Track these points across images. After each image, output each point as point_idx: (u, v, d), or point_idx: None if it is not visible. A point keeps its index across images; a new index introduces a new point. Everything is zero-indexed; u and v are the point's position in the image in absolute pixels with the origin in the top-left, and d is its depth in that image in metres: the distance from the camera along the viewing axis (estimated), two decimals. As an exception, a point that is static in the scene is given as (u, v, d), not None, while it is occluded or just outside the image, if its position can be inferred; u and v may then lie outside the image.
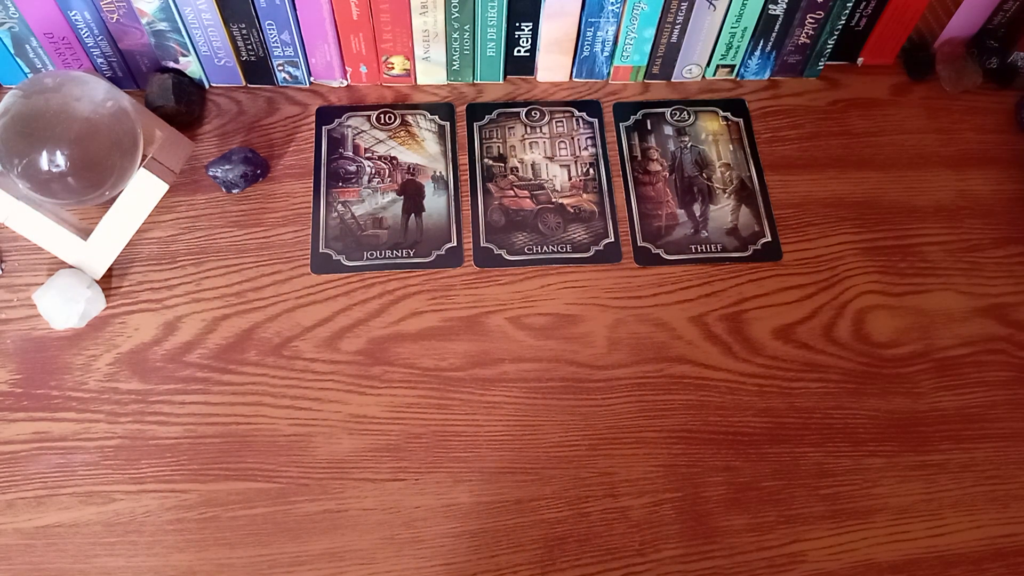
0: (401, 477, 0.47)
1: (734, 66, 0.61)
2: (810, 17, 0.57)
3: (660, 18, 0.56)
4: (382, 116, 0.59)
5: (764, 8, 0.56)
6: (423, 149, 0.58)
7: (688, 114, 0.60)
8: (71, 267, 0.52)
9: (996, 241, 0.56)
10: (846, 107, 0.61)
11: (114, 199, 0.51)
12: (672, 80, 0.62)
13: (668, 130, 0.59)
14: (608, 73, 0.61)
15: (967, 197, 0.58)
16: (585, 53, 0.59)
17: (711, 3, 0.56)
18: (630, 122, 0.60)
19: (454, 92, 0.60)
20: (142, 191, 0.51)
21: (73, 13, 0.53)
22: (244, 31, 0.55)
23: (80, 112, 0.48)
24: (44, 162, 0.47)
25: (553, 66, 0.60)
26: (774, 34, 0.58)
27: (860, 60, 0.63)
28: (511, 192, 0.56)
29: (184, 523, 0.46)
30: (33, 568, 0.44)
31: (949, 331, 0.53)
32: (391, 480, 0.47)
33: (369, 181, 0.56)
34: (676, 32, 0.58)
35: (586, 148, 0.58)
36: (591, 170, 0.57)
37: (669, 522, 0.46)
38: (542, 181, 0.57)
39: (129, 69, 0.58)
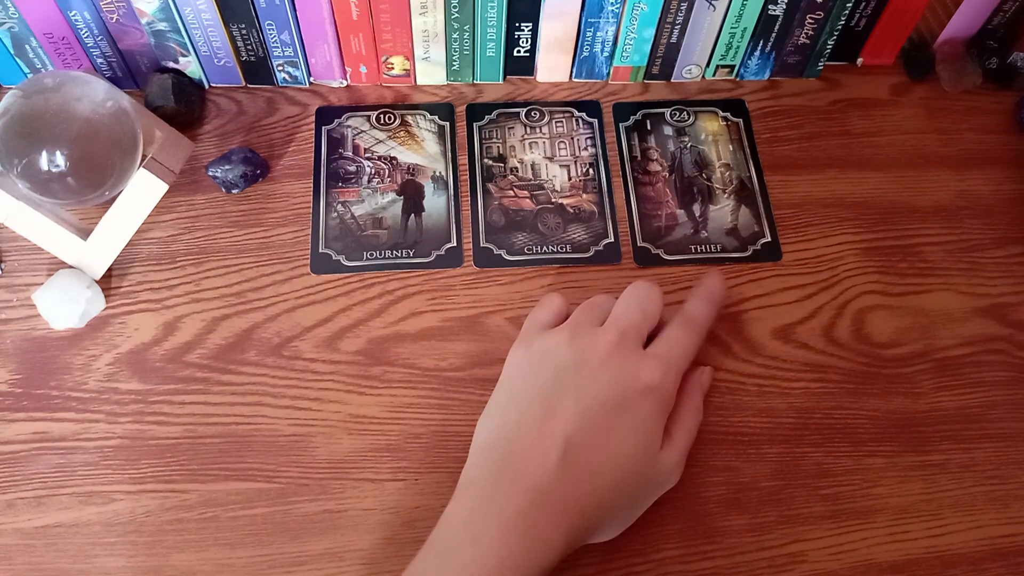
0: (401, 477, 0.47)
1: (734, 66, 0.61)
2: (810, 17, 0.57)
3: (660, 18, 0.56)
4: (382, 116, 0.59)
5: (764, 8, 0.56)
6: (423, 149, 0.58)
7: (688, 114, 0.60)
8: (71, 267, 0.52)
9: (996, 241, 0.56)
10: (846, 107, 0.61)
11: (114, 199, 0.51)
12: (672, 80, 0.62)
13: (668, 130, 0.59)
14: (608, 73, 0.61)
15: (967, 197, 0.58)
16: (585, 53, 0.59)
17: (711, 3, 0.56)
18: (630, 122, 0.60)
19: (454, 92, 0.60)
20: (142, 191, 0.51)
21: (73, 13, 0.53)
22: (244, 31, 0.55)
23: (80, 112, 0.48)
24: (44, 162, 0.47)
25: (553, 66, 0.60)
26: (774, 34, 0.58)
27: (860, 60, 0.63)
28: (511, 192, 0.56)
29: (184, 523, 0.46)
30: (33, 568, 0.44)
31: (949, 331, 0.53)
32: (391, 480, 0.47)
33: (369, 181, 0.56)
34: (676, 32, 0.58)
35: (586, 148, 0.58)
36: (591, 170, 0.57)
37: (669, 522, 0.46)
38: (542, 181, 0.57)
39: (129, 69, 0.58)
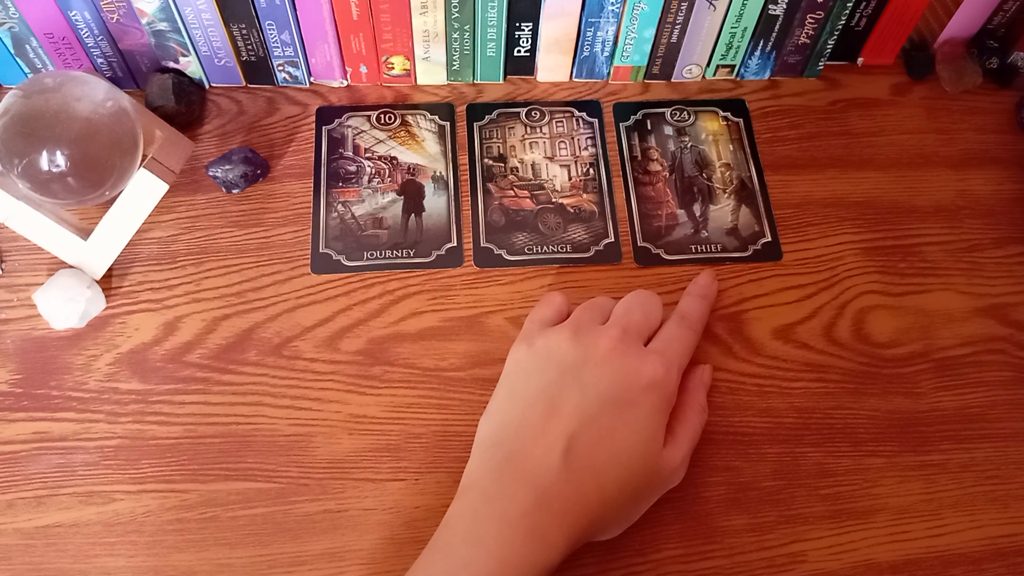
0: (401, 477, 0.47)
1: (734, 66, 0.61)
2: (810, 17, 0.57)
3: (660, 18, 0.56)
4: (382, 116, 0.59)
5: (764, 8, 0.56)
6: (423, 149, 0.58)
7: (688, 114, 0.60)
8: (71, 267, 0.52)
9: (996, 241, 0.56)
10: (846, 107, 0.61)
11: (114, 199, 0.51)
12: (672, 80, 0.62)
13: (668, 130, 0.59)
14: (608, 73, 0.61)
15: (967, 197, 0.58)
16: (585, 53, 0.59)
17: (711, 3, 0.56)
18: (630, 122, 0.60)
19: (454, 92, 0.60)
20: (142, 191, 0.51)
21: (73, 13, 0.53)
22: (244, 31, 0.55)
23: (80, 112, 0.48)
24: (44, 162, 0.47)
25: (553, 66, 0.60)
26: (774, 34, 0.58)
27: (860, 60, 0.63)
28: (511, 192, 0.56)
29: (184, 523, 0.46)
30: (33, 568, 0.44)
31: (949, 331, 0.53)
32: (391, 480, 0.47)
33: (369, 181, 0.56)
34: (676, 32, 0.58)
35: (586, 148, 0.58)
36: (591, 170, 0.57)
37: (669, 522, 0.46)
38: (542, 181, 0.57)
39: (129, 69, 0.58)
